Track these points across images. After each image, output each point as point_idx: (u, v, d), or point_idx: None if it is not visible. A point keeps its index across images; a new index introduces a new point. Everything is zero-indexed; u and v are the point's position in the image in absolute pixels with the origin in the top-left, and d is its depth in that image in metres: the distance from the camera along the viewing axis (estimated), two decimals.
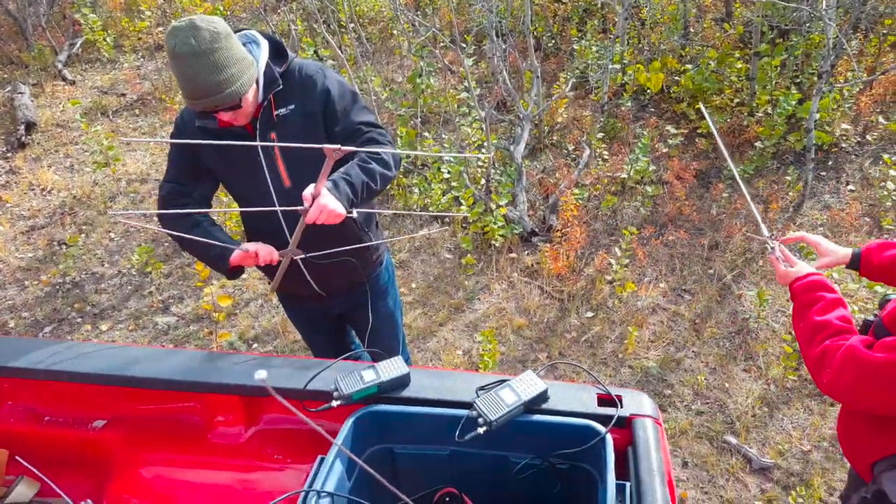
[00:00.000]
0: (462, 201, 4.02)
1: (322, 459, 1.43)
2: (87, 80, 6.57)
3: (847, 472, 1.90)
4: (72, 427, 1.84)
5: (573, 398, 1.53)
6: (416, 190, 4.33)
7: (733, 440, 2.67)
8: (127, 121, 5.79)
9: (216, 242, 1.82)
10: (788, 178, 4.01)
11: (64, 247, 4.25)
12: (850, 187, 4.04)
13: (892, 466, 1.42)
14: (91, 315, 3.70)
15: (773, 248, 1.73)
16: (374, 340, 2.22)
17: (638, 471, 1.36)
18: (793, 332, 3.07)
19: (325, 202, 1.63)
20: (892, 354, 1.31)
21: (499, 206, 3.95)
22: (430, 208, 4.28)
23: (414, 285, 3.77)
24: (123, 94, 6.23)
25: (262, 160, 1.85)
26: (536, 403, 1.51)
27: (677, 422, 2.77)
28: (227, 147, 1.81)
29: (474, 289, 3.71)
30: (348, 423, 1.50)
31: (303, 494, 1.36)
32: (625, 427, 1.48)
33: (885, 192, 3.73)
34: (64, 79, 6.55)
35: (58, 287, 3.93)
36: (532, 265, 3.79)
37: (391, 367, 1.61)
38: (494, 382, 1.55)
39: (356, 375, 1.58)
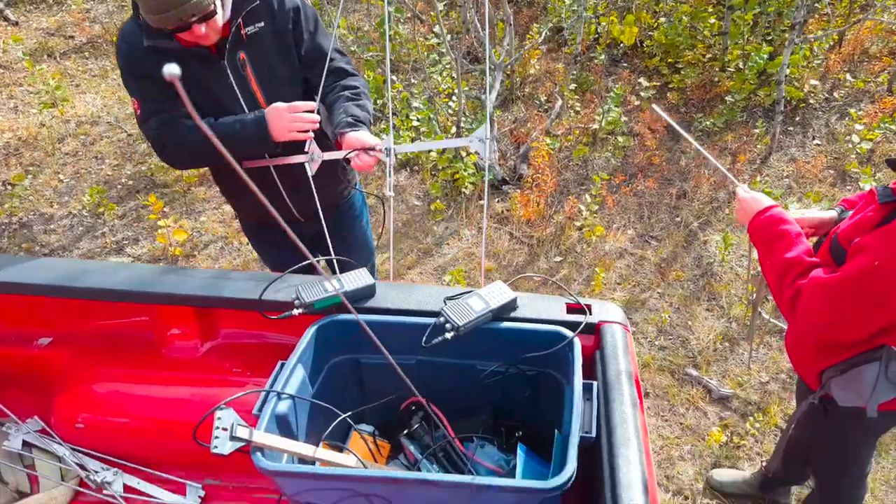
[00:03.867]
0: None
1: (282, 364, 1.40)
2: (31, 22, 6.23)
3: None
4: (16, 345, 1.76)
5: (542, 307, 1.52)
6: (385, 137, 4.25)
7: (694, 372, 2.73)
8: (76, 63, 5.52)
9: (241, 118, 1.74)
10: (757, 131, 4.07)
11: (9, 187, 4.07)
12: (815, 141, 4.12)
13: (839, 373, 1.46)
14: (40, 255, 3.56)
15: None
16: (347, 266, 2.21)
17: (605, 372, 1.37)
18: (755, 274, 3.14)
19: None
20: (849, 268, 1.32)
21: (469, 154, 3.91)
22: (398, 154, 4.21)
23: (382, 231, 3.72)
24: (72, 37, 5.94)
25: (234, 83, 1.77)
26: (505, 311, 1.50)
27: (640, 356, 2.81)
28: (195, 71, 1.73)
29: (443, 234, 3.68)
30: (310, 331, 1.47)
31: (262, 395, 1.33)
32: (593, 334, 1.48)
33: (850, 146, 3.81)
34: (6, 19, 6.20)
35: (3, 227, 3.76)
36: (502, 212, 3.78)
37: (355, 278, 1.58)
38: (463, 292, 1.53)
39: (318, 285, 1.54)
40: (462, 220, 3.74)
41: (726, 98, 4.33)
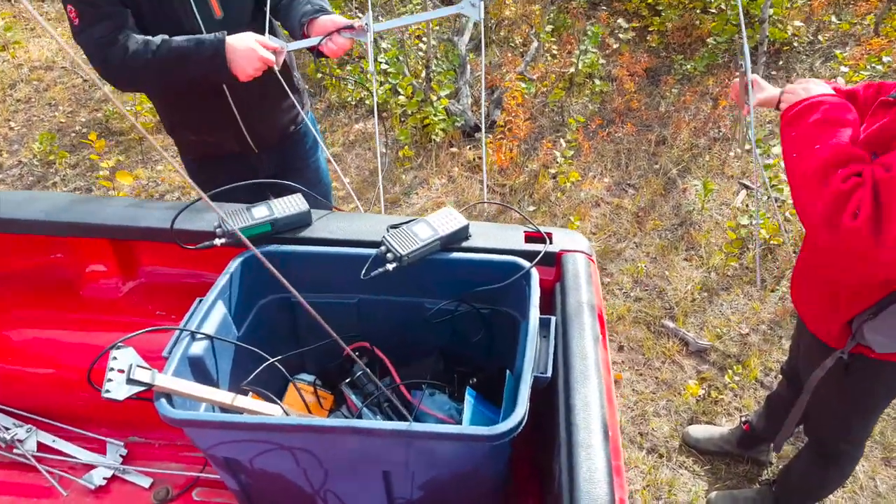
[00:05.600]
0: (400, 91, 3.72)
1: (200, 301, 1.20)
2: None
3: (791, 345, 1.79)
4: None
5: (497, 236, 1.33)
6: (352, 80, 3.99)
7: (671, 324, 2.58)
8: (32, 4, 5.14)
9: (198, 37, 1.47)
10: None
11: None
12: None
13: (871, 316, 1.27)
14: None
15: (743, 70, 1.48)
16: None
17: (565, 305, 1.19)
18: (737, 223, 2.98)
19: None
20: None
21: (440, 98, 3.67)
22: (367, 101, 3.96)
23: (348, 180, 3.50)
24: None
25: None
26: (455, 240, 1.31)
27: (615, 308, 2.66)
28: None
29: (412, 183, 3.47)
30: (233, 264, 1.28)
31: (175, 334, 1.14)
32: (554, 265, 1.30)
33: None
34: None
35: None
36: (474, 160, 3.57)
37: (288, 204, 1.38)
38: (408, 220, 1.34)
39: (245, 213, 1.34)
40: (432, 168, 3.52)
41: (708, 41, 4.10)
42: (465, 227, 1.31)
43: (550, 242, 1.30)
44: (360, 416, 1.28)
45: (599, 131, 3.66)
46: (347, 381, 1.37)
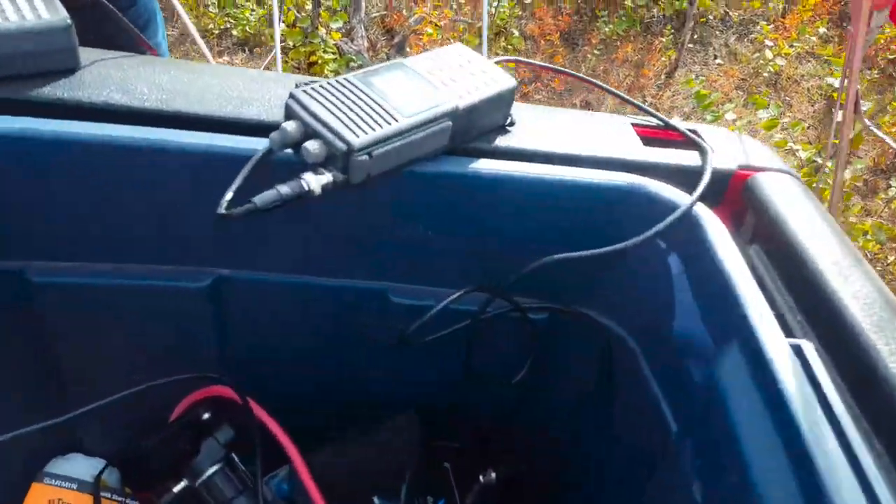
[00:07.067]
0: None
1: None
2: None
3: None
4: None
5: (580, 131, 0.52)
6: (213, 3, 2.94)
7: None
8: None
9: None
10: (663, 39, 3.36)
11: None
12: (718, 61, 3.52)
13: None
14: None
15: None
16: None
17: (819, 299, 0.41)
18: None
19: None
20: None
21: (330, 31, 2.76)
22: (234, 31, 2.94)
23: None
24: None
25: None
26: (485, 124, 0.48)
27: None
28: None
29: None
30: None
31: None
32: (721, 201, 0.51)
33: (763, 61, 3.24)
34: None
35: None
36: None
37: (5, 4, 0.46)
38: (372, 69, 0.47)
39: None
40: None
41: (626, 2, 3.58)
42: (510, 93, 0.48)
43: (710, 149, 0.51)
44: None
45: (524, 85, 2.96)
46: (181, 487, 0.49)
